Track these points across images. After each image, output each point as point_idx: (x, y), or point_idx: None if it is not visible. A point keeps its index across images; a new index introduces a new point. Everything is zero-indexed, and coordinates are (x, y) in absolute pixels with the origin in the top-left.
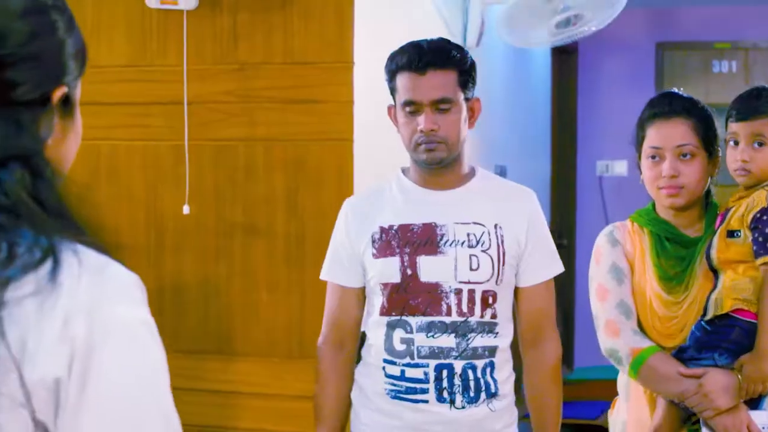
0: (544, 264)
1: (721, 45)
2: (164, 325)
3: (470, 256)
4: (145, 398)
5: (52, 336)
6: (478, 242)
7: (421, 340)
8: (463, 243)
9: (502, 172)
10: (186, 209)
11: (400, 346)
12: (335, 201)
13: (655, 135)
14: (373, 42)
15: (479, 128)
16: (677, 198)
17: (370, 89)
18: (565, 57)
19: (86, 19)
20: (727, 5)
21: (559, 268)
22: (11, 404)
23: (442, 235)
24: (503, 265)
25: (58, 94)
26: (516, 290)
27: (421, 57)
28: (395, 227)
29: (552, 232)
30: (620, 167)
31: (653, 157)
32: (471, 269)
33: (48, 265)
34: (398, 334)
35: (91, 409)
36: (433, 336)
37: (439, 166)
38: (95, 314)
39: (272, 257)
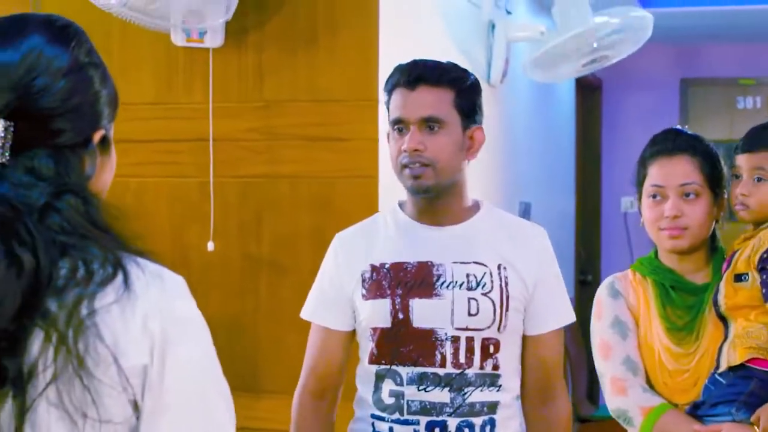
0: (555, 311)
1: (745, 81)
2: None
3: (469, 299)
4: (209, 374)
5: (136, 333)
6: (478, 284)
7: (411, 393)
8: (461, 285)
9: (526, 208)
10: (210, 246)
11: (389, 400)
12: None
13: (657, 173)
14: None
15: (503, 165)
16: (680, 240)
17: None
18: (589, 93)
19: (113, 58)
20: (751, 43)
21: (570, 317)
22: (113, 390)
23: (439, 276)
24: (507, 310)
25: (97, 136)
26: (523, 339)
27: (413, 71)
28: (387, 265)
29: (576, 268)
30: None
31: (654, 196)
32: (470, 314)
33: (120, 276)
34: (387, 385)
35: (170, 387)
36: (424, 389)
37: (427, 195)
38: (165, 312)
39: (298, 294)
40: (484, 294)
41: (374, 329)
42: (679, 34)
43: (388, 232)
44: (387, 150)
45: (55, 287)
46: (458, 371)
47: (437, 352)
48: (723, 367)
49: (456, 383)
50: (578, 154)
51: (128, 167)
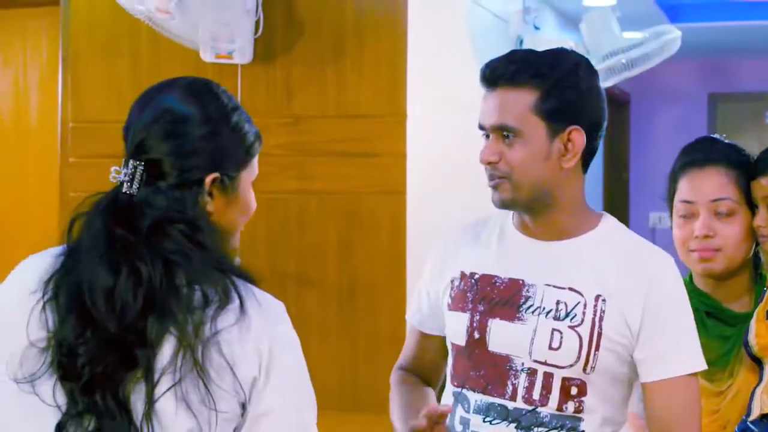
0: (670, 355)
1: None
2: None
3: (553, 330)
4: (302, 384)
5: (249, 350)
6: (567, 315)
7: (476, 423)
8: (548, 312)
9: None
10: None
11: (458, 427)
12: (388, 253)
13: (686, 187)
14: (426, 95)
15: None
16: (712, 263)
17: (423, 142)
18: (617, 107)
19: (142, 74)
20: None
21: (695, 365)
22: (227, 394)
23: (527, 298)
24: (596, 349)
25: (208, 179)
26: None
27: (493, 68)
28: (477, 276)
29: None
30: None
31: (684, 213)
32: (550, 347)
33: (237, 302)
34: (459, 410)
35: (274, 389)
36: (490, 422)
37: (510, 209)
38: (272, 333)
39: (324, 309)
40: (572, 327)
41: (453, 345)
42: (707, 49)
43: (491, 238)
44: (415, 165)
45: (186, 304)
46: (529, 408)
47: (509, 383)
48: (755, 414)
49: (525, 421)
50: (606, 168)
51: None
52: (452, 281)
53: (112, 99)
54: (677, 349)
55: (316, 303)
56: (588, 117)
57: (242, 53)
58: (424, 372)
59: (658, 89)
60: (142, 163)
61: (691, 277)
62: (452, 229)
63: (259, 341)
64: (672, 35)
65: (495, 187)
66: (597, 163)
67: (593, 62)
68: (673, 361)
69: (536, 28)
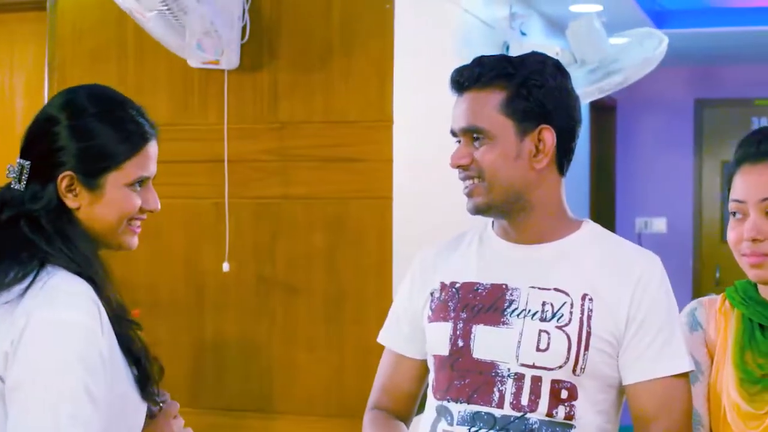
0: (657, 356)
1: (761, 102)
2: (204, 382)
3: (540, 332)
4: (59, 365)
5: (9, 325)
6: (554, 315)
7: None
8: (534, 314)
9: None
10: (226, 267)
11: None
12: (375, 259)
13: (739, 184)
14: (413, 101)
15: None
16: (763, 270)
17: (410, 148)
18: (603, 113)
19: (128, 79)
20: (766, 63)
21: (680, 365)
22: None
23: (511, 302)
24: (586, 349)
25: (60, 178)
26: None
27: (460, 73)
28: (458, 285)
29: None
30: (659, 224)
31: (734, 213)
32: (538, 349)
33: (27, 282)
34: (441, 425)
35: (21, 365)
36: None
37: (487, 215)
38: (36, 313)
39: (312, 315)
40: (559, 327)
41: (435, 356)
42: (693, 55)
43: (470, 248)
44: (402, 171)
45: None
46: (517, 414)
47: (496, 390)
48: None
49: (513, 429)
50: (592, 175)
51: None
52: (432, 294)
53: None
54: (660, 350)
55: (303, 310)
56: (558, 116)
57: (229, 59)
58: (399, 404)
59: (644, 95)
60: (26, 162)
61: (755, 285)
62: (429, 247)
63: (19, 318)
64: (658, 39)
65: (469, 193)
66: (583, 168)
67: (581, 74)
68: (656, 362)
69: (523, 33)
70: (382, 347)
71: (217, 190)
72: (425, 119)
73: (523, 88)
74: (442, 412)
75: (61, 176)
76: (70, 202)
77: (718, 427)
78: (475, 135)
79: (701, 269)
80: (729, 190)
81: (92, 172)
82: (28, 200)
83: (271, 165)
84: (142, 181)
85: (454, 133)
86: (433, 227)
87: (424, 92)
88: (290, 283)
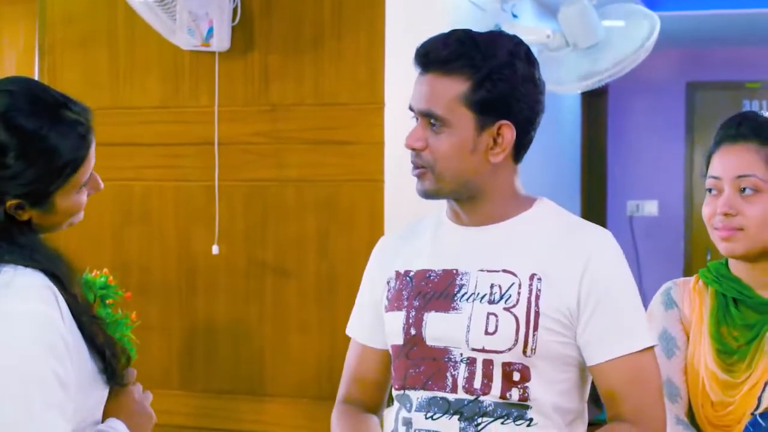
0: (617, 333)
1: (751, 84)
2: (196, 365)
3: (488, 314)
4: (24, 354)
5: None
6: (501, 297)
7: (418, 421)
8: (483, 297)
9: None
10: (215, 249)
11: (401, 429)
12: (366, 242)
13: (716, 162)
14: (404, 83)
15: None
16: (733, 243)
17: (401, 130)
18: (594, 97)
19: (119, 62)
20: (757, 46)
21: (641, 341)
22: None
23: (461, 286)
24: (535, 330)
25: (7, 206)
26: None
27: (427, 51)
28: (411, 273)
29: None
30: (651, 207)
31: (710, 189)
32: (486, 333)
33: None
34: (401, 412)
35: None
36: (431, 417)
37: (434, 199)
38: None
39: (303, 298)
40: (507, 309)
41: (392, 347)
42: (685, 38)
43: (425, 234)
44: (393, 153)
45: None
46: (471, 397)
47: (449, 374)
48: (764, 406)
49: (467, 411)
50: (584, 158)
51: (133, 171)
52: (388, 283)
53: (88, 87)
54: (619, 327)
55: (294, 293)
56: (520, 111)
57: (220, 42)
58: (367, 395)
59: (635, 78)
60: None
61: (726, 261)
62: (388, 234)
63: None
64: (651, 27)
65: (418, 176)
66: (574, 151)
67: (573, 58)
68: (616, 340)
69: (514, 16)
70: None
71: (207, 172)
72: None
73: (488, 81)
74: (403, 401)
75: (8, 203)
76: (21, 216)
77: (696, 398)
78: (432, 121)
79: (692, 252)
80: (707, 169)
81: (40, 198)
82: None
83: (262, 147)
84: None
85: (412, 110)
86: (424, 210)
87: (414, 74)
88: (281, 265)
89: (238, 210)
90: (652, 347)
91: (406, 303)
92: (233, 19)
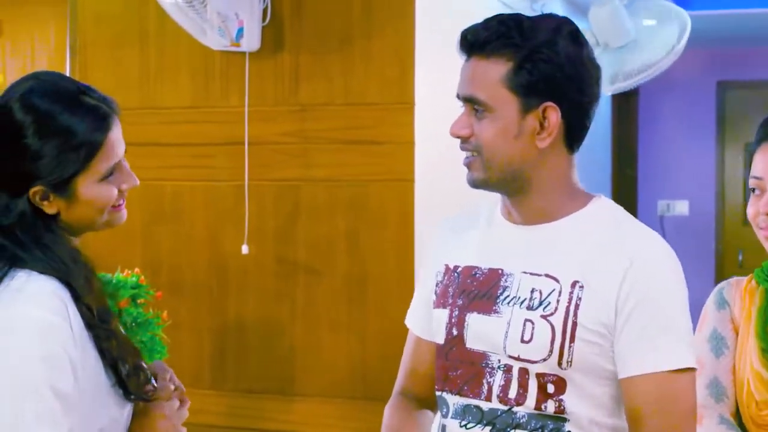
0: (647, 346)
1: None
2: (226, 364)
3: (525, 321)
4: (19, 362)
5: None
6: (540, 303)
7: (453, 429)
8: (522, 302)
9: None
10: (245, 249)
11: None
12: (396, 241)
13: (759, 162)
14: (434, 82)
15: None
16: None
17: (431, 129)
18: (625, 97)
19: (150, 62)
20: None
21: (676, 360)
22: None
23: (505, 288)
24: (572, 341)
25: (31, 193)
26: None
27: (467, 36)
28: (459, 269)
29: None
30: (681, 207)
31: (753, 189)
32: (522, 340)
33: None
34: (438, 417)
35: None
36: (465, 426)
37: (484, 189)
38: None
39: (333, 297)
40: (544, 317)
41: (436, 345)
42: (715, 37)
43: (477, 227)
44: (423, 153)
45: None
46: (504, 408)
47: (485, 382)
48: None
49: (500, 423)
50: (614, 157)
51: (164, 170)
52: (437, 276)
53: (119, 87)
54: (653, 341)
55: (324, 292)
56: (566, 93)
57: (250, 41)
58: (422, 387)
59: (666, 78)
60: None
61: None
62: (445, 221)
63: None
64: (682, 26)
65: (468, 165)
66: (605, 151)
67: (604, 58)
68: (648, 353)
69: None
70: (402, 328)
71: (238, 172)
72: (446, 101)
73: (528, 61)
74: (440, 403)
75: (32, 191)
76: (48, 209)
77: (741, 396)
78: (476, 107)
79: (724, 252)
80: (750, 168)
81: (61, 182)
82: (0, 211)
83: (292, 147)
84: (114, 166)
85: (458, 97)
86: (455, 209)
87: (445, 73)
88: (311, 265)
89: (268, 209)
90: (690, 369)
91: (450, 301)
92: (263, 20)
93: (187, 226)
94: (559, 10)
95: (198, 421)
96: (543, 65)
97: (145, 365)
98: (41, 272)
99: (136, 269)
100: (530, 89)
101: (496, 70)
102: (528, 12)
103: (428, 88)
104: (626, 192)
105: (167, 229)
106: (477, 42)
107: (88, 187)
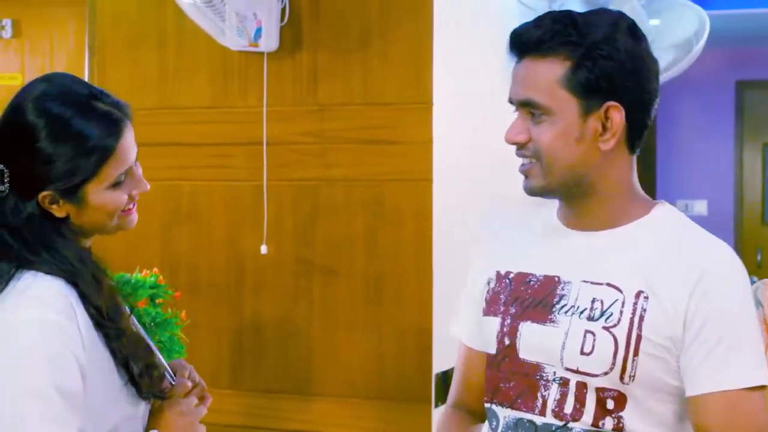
0: (721, 363)
1: None
2: (244, 364)
3: (585, 332)
4: (20, 363)
5: None
6: (602, 314)
7: None
8: (582, 312)
9: None
10: (264, 249)
11: None
12: (414, 241)
13: None
14: (452, 82)
15: None
16: None
17: (449, 129)
18: None
19: (169, 62)
20: None
21: (748, 378)
22: None
23: (562, 297)
24: (635, 354)
25: (41, 198)
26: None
27: (519, 36)
28: (511, 275)
29: None
30: (700, 207)
31: None
32: (582, 352)
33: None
34: (486, 430)
35: None
36: None
37: (542, 197)
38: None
39: (351, 297)
40: (606, 328)
41: (486, 354)
42: (734, 36)
43: (531, 231)
44: (441, 152)
45: None
46: (559, 423)
47: (539, 395)
48: None
49: None
50: None
51: (182, 171)
52: (488, 283)
53: (137, 87)
54: (724, 357)
55: (342, 292)
56: (628, 91)
57: (268, 41)
58: (475, 400)
59: (684, 77)
60: (4, 168)
61: None
62: (494, 226)
63: None
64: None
65: (525, 173)
66: None
67: None
68: (718, 371)
69: None
70: (419, 328)
71: (256, 172)
72: (464, 100)
73: (587, 59)
74: (490, 416)
75: (41, 195)
76: (57, 212)
77: None
78: (532, 110)
79: (742, 252)
80: None
81: (70, 189)
82: (9, 213)
83: (311, 147)
84: (125, 172)
85: (511, 102)
86: (473, 209)
87: (463, 73)
88: (329, 265)
89: (287, 209)
90: (762, 387)
91: (502, 308)
92: (281, 20)
93: (205, 226)
94: (577, 8)
95: (216, 421)
96: (603, 62)
97: (160, 362)
98: (47, 273)
99: (155, 269)
100: (590, 89)
101: (553, 70)
102: (546, 10)
103: (446, 87)
104: (645, 191)
105: (186, 229)
106: (530, 41)
107: (98, 194)
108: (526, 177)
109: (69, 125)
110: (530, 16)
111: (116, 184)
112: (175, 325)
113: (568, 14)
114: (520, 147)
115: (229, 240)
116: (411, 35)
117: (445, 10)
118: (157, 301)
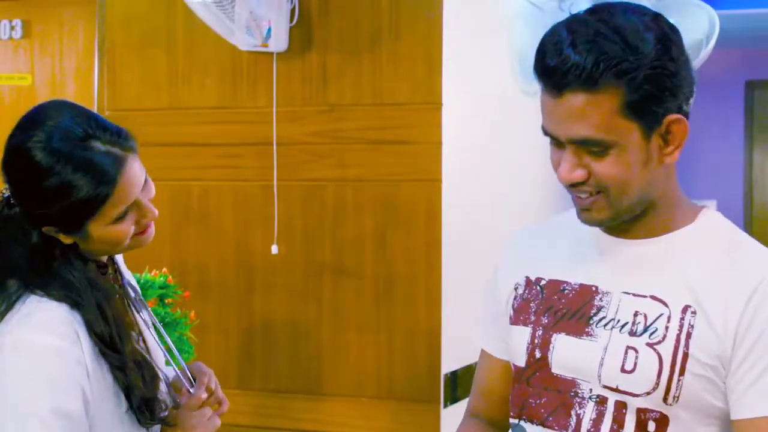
0: (766, 387)
1: None
2: (253, 364)
3: (627, 348)
4: (24, 401)
5: None
6: (646, 329)
7: None
8: (623, 326)
9: None
10: (274, 249)
11: None
12: (424, 241)
13: None
14: (462, 83)
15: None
16: None
17: (459, 130)
18: None
19: (178, 62)
20: None
21: None
22: None
23: (600, 308)
24: (681, 374)
25: (45, 230)
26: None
27: (557, 67)
28: (543, 282)
29: None
30: (709, 207)
31: None
32: (623, 370)
33: (4, 309)
34: None
35: None
36: None
37: (603, 226)
38: (5, 337)
39: (361, 298)
40: (650, 345)
41: (513, 367)
42: (743, 37)
43: (564, 237)
44: (451, 153)
45: None
46: None
47: (573, 413)
48: None
49: None
50: None
51: (191, 171)
52: (516, 289)
53: (147, 88)
54: None
55: (352, 293)
56: (683, 95)
57: (277, 42)
58: (494, 409)
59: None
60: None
61: None
62: (523, 230)
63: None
64: (710, 24)
65: (586, 208)
66: None
67: None
68: (766, 395)
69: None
70: (429, 328)
71: (266, 172)
72: (474, 101)
73: (646, 82)
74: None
75: (45, 228)
76: (64, 240)
77: None
78: (591, 149)
79: None
80: None
81: (73, 227)
82: (19, 233)
83: (320, 148)
84: (129, 208)
85: (550, 135)
86: (483, 210)
87: (473, 74)
88: (339, 265)
89: (296, 210)
90: None
91: (533, 318)
92: (291, 20)
93: (215, 226)
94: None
95: (225, 421)
96: (660, 80)
97: (166, 389)
98: (52, 298)
99: (164, 269)
100: (650, 109)
101: (610, 102)
102: (556, 12)
103: (456, 88)
104: None
105: (195, 229)
106: (577, 74)
107: (101, 229)
108: (589, 211)
109: (54, 177)
110: (540, 17)
111: (120, 219)
112: (185, 325)
113: (603, 33)
114: (581, 185)
115: (239, 240)
116: (421, 36)
117: (454, 11)
118: (166, 301)
